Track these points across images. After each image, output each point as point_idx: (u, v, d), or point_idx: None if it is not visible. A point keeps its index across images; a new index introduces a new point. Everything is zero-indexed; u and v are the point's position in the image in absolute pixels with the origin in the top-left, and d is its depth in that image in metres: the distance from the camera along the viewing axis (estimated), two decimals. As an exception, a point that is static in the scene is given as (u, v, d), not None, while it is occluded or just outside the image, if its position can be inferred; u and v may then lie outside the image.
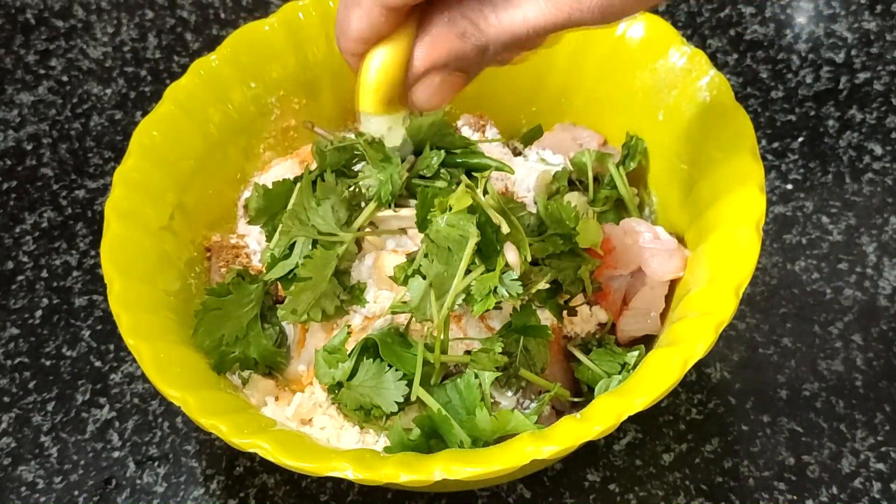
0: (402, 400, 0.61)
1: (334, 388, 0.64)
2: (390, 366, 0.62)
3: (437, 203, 0.61)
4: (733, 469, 0.72)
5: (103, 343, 0.81)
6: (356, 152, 0.69)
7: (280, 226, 0.66)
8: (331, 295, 0.65)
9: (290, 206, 0.67)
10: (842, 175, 0.87)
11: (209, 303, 0.66)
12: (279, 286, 0.68)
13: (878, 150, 0.88)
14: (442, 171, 0.68)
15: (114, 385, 0.79)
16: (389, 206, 0.66)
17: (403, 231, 0.68)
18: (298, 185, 0.67)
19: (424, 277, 0.61)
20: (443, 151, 0.68)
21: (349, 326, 0.65)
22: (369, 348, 0.63)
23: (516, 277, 0.61)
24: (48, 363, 0.80)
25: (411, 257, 0.65)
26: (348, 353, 0.63)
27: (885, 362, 0.76)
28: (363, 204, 0.67)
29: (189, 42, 1.03)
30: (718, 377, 0.76)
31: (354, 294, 0.66)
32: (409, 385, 0.62)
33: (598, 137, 0.78)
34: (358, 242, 0.67)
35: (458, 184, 0.68)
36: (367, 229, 0.67)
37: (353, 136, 0.73)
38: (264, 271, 0.67)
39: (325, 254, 0.65)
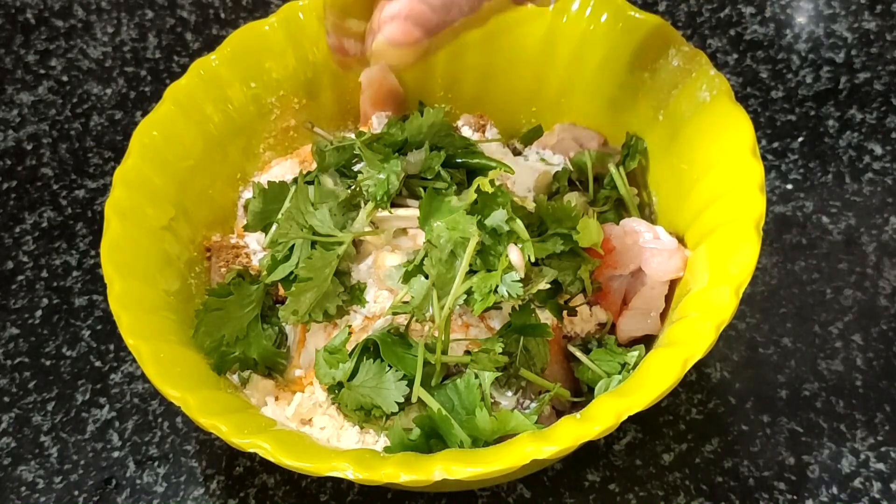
0: (402, 400, 0.61)
1: (334, 389, 0.64)
2: (391, 366, 0.62)
3: (443, 207, 0.61)
4: (733, 469, 0.72)
5: (103, 343, 0.81)
6: (356, 153, 0.69)
7: (276, 227, 0.67)
8: (332, 295, 0.65)
9: (285, 209, 0.67)
10: (842, 175, 0.87)
11: (210, 303, 0.66)
12: (279, 287, 0.68)
13: (878, 150, 0.88)
14: (442, 171, 0.68)
15: (114, 385, 0.79)
16: (387, 208, 0.66)
17: (404, 231, 0.68)
18: (294, 188, 0.68)
19: (427, 277, 0.61)
20: (443, 152, 0.68)
21: (350, 327, 0.65)
22: (370, 349, 0.63)
23: (518, 279, 0.61)
24: (48, 363, 0.80)
25: (411, 257, 0.66)
26: (349, 353, 0.63)
27: (885, 362, 0.76)
28: (363, 204, 0.67)
29: (189, 42, 1.03)
30: (718, 377, 0.76)
31: (354, 294, 0.66)
32: (410, 385, 0.62)
33: (597, 137, 0.78)
34: (357, 242, 0.68)
35: (458, 184, 0.68)
36: (368, 229, 0.67)
37: (352, 135, 0.73)
38: (264, 273, 0.67)
39: (325, 254, 0.65)
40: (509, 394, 0.64)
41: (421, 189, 0.66)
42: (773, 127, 0.91)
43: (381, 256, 0.67)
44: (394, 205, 0.67)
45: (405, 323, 0.64)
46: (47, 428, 0.77)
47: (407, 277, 0.63)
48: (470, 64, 0.81)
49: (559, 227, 0.64)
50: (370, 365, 0.63)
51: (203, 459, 0.74)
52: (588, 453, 0.73)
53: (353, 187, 0.68)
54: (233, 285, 0.67)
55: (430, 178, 0.67)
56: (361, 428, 0.64)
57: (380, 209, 0.66)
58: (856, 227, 0.83)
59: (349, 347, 0.64)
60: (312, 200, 0.67)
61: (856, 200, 0.85)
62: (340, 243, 0.65)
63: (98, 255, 0.66)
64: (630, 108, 0.75)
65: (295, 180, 0.69)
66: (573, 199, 0.72)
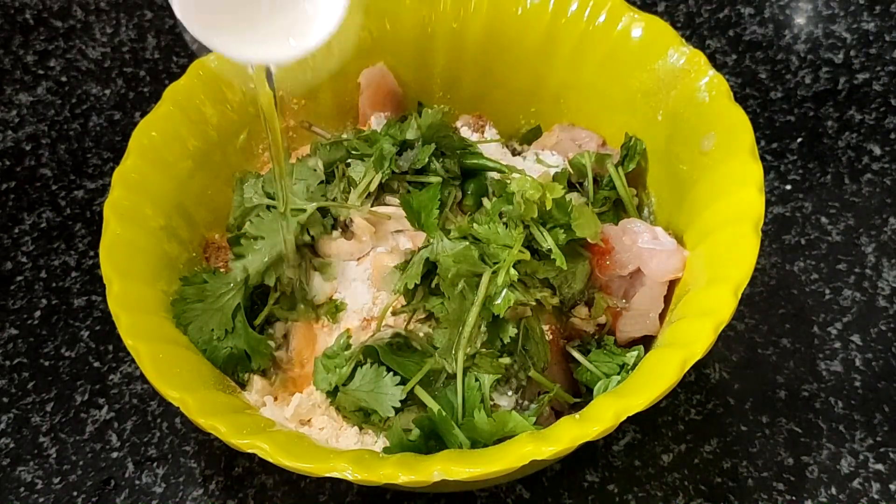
0: (399, 405, 0.61)
1: (331, 394, 0.64)
2: (389, 369, 0.62)
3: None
4: (732, 470, 0.72)
5: (102, 343, 0.81)
6: (353, 151, 0.70)
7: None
8: (289, 262, 0.65)
9: (261, 181, 0.68)
10: (841, 176, 0.87)
11: (184, 292, 0.66)
12: (274, 288, 0.68)
13: (877, 151, 0.89)
14: (435, 162, 0.68)
15: (113, 386, 0.79)
16: (381, 186, 0.67)
17: (401, 232, 0.68)
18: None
19: (446, 327, 0.62)
20: (433, 145, 0.68)
21: (348, 330, 0.65)
22: (368, 354, 0.63)
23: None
24: (47, 363, 0.80)
25: (409, 257, 0.66)
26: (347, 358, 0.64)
27: (884, 363, 0.76)
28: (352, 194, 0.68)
29: (188, 42, 1.03)
30: (717, 378, 0.76)
31: (325, 270, 0.67)
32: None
33: (596, 138, 0.78)
34: (347, 228, 0.68)
35: (453, 179, 0.69)
36: (360, 212, 0.67)
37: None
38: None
39: (278, 216, 0.65)
40: (509, 393, 0.64)
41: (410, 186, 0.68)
42: (772, 127, 0.91)
43: (379, 258, 0.67)
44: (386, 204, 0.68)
45: (404, 325, 0.64)
46: (46, 428, 0.77)
47: (406, 290, 0.63)
48: (469, 64, 0.81)
49: (558, 220, 0.64)
50: (367, 370, 0.62)
51: (202, 460, 0.74)
52: (587, 454, 0.73)
53: (344, 178, 0.68)
54: (206, 273, 0.67)
55: (422, 173, 0.68)
56: (360, 429, 0.64)
57: (374, 201, 0.67)
58: (855, 228, 0.83)
59: (353, 346, 0.64)
60: (294, 178, 0.67)
61: (855, 201, 0.85)
62: (303, 210, 0.66)
63: (97, 255, 0.65)
64: (629, 109, 0.75)
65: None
66: (572, 199, 0.72)
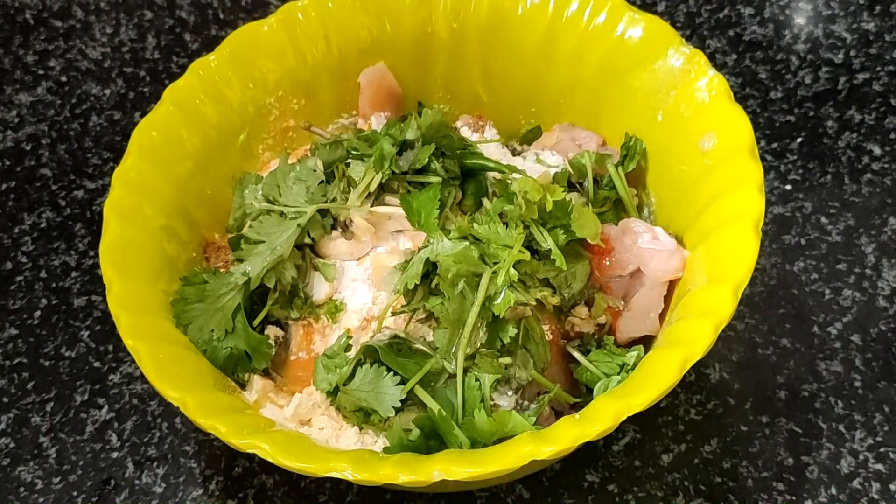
0: (399, 405, 0.61)
1: (331, 394, 0.64)
2: (389, 369, 0.62)
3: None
4: (732, 469, 0.72)
5: (102, 343, 0.81)
6: (353, 151, 0.70)
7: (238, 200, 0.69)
8: (289, 265, 0.65)
9: (260, 184, 0.68)
10: (841, 176, 0.87)
11: (185, 292, 0.66)
12: (274, 288, 0.67)
13: (877, 151, 0.88)
14: (435, 162, 0.68)
15: (112, 386, 0.79)
16: (381, 186, 0.67)
17: (401, 232, 0.68)
18: (277, 165, 0.68)
19: (447, 326, 0.62)
20: (433, 145, 0.68)
21: (349, 330, 0.65)
22: (368, 354, 0.63)
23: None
24: (47, 363, 0.80)
25: (408, 257, 0.66)
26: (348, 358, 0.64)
27: (884, 363, 0.76)
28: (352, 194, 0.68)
29: (188, 42, 1.03)
30: (717, 378, 0.76)
31: (324, 271, 0.67)
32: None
33: (596, 138, 0.78)
34: (347, 228, 0.68)
35: (453, 179, 0.69)
36: (360, 212, 0.67)
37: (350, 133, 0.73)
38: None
39: (278, 220, 0.65)
40: (509, 394, 0.64)
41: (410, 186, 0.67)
42: (772, 127, 0.91)
43: (379, 258, 0.67)
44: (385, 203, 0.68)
45: (404, 325, 0.64)
46: (46, 428, 0.77)
47: (405, 288, 0.63)
48: (469, 64, 0.81)
49: (561, 218, 0.64)
50: (367, 370, 0.62)
51: (202, 460, 0.74)
52: (587, 454, 0.73)
53: (344, 178, 0.68)
54: (207, 273, 0.67)
55: (422, 173, 0.68)
56: (360, 429, 0.64)
57: (374, 201, 0.67)
58: (855, 228, 0.83)
59: (353, 346, 0.64)
60: (294, 180, 0.67)
61: (855, 201, 0.85)
62: (303, 213, 0.66)
63: (97, 255, 0.65)
64: (629, 109, 0.75)
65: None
66: (572, 199, 0.72)
